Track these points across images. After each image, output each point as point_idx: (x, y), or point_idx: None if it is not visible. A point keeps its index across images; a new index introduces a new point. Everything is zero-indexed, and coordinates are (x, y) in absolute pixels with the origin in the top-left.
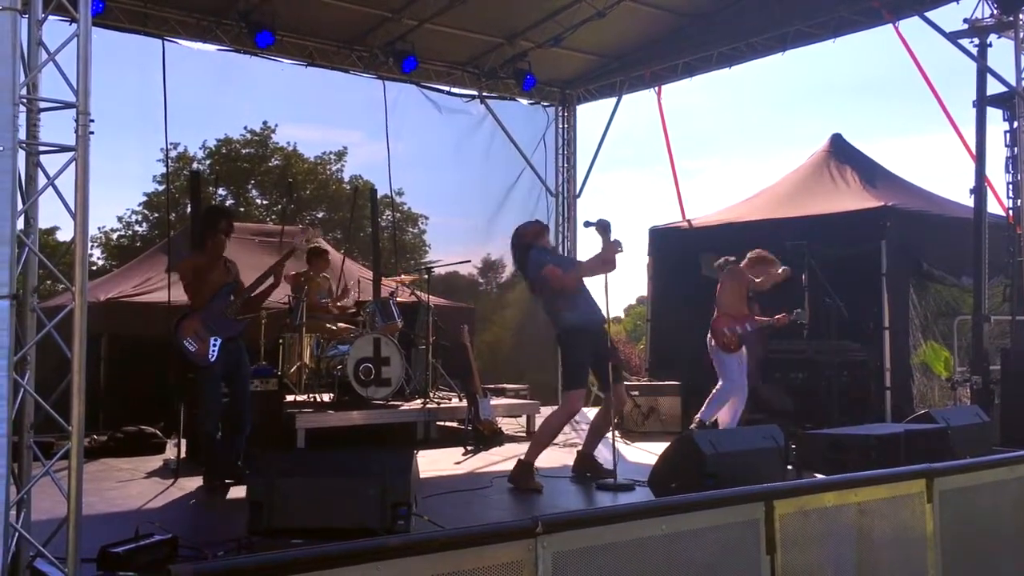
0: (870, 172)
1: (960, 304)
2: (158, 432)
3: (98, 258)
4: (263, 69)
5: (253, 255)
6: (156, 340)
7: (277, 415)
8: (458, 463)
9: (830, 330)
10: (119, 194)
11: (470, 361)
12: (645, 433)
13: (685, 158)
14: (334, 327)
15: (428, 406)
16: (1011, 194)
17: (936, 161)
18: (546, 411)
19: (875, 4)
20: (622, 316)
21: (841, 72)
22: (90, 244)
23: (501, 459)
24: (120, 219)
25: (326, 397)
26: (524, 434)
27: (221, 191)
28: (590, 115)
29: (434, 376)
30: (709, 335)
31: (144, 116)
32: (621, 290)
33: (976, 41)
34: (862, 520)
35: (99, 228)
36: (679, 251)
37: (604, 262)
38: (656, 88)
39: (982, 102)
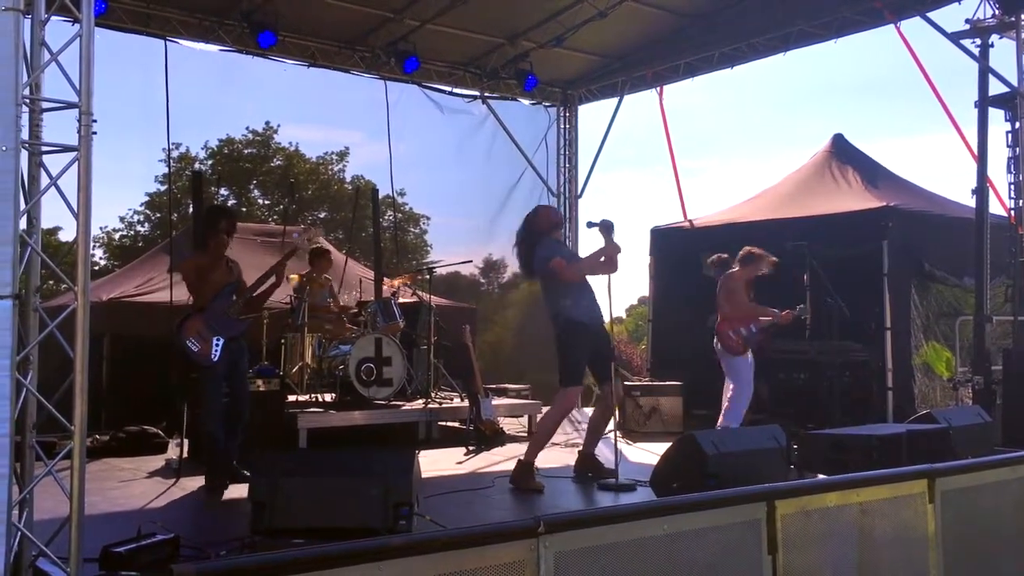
0: (872, 172)
1: (962, 304)
2: (160, 432)
3: (100, 258)
4: (265, 69)
5: (255, 255)
6: (158, 340)
7: (279, 415)
8: (460, 463)
9: (832, 330)
10: (121, 194)
11: (472, 361)
12: (647, 433)
13: (687, 158)
14: (332, 327)
15: (430, 406)
16: (1013, 194)
17: (938, 161)
18: (544, 414)
19: (877, 4)
20: (624, 316)
21: (843, 72)
22: (92, 244)
23: (503, 459)
24: (122, 219)
25: (328, 397)
26: (526, 434)
27: (223, 191)
28: (592, 115)
29: (436, 376)
30: (715, 340)
31: (146, 116)
32: (622, 290)
33: (978, 41)
34: (864, 520)
35: (101, 228)
36: (681, 251)
37: (606, 262)
38: (658, 88)
39: (984, 102)
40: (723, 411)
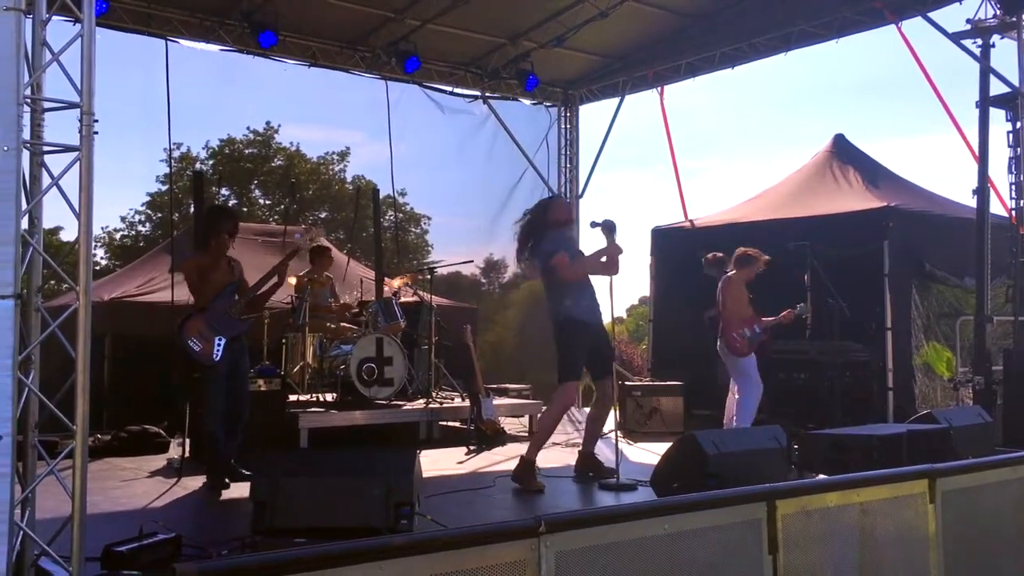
0: (873, 172)
1: (963, 305)
2: (161, 431)
3: (101, 258)
4: (266, 69)
5: (256, 255)
6: (159, 340)
7: (280, 415)
8: (461, 463)
9: (832, 331)
10: (122, 194)
11: (472, 361)
12: (647, 433)
13: (688, 158)
14: (334, 326)
15: (431, 406)
16: (1014, 195)
17: (939, 162)
18: (544, 411)
19: (878, 5)
20: (624, 316)
21: (844, 72)
22: (93, 244)
23: (504, 459)
24: (123, 219)
25: (329, 397)
26: (526, 434)
27: (224, 191)
28: (593, 115)
29: (437, 376)
30: (720, 343)
31: (147, 116)
32: (623, 290)
33: (979, 41)
34: (864, 520)
35: (102, 228)
36: (681, 251)
37: (608, 263)
38: (659, 88)
39: (985, 103)
40: (735, 412)
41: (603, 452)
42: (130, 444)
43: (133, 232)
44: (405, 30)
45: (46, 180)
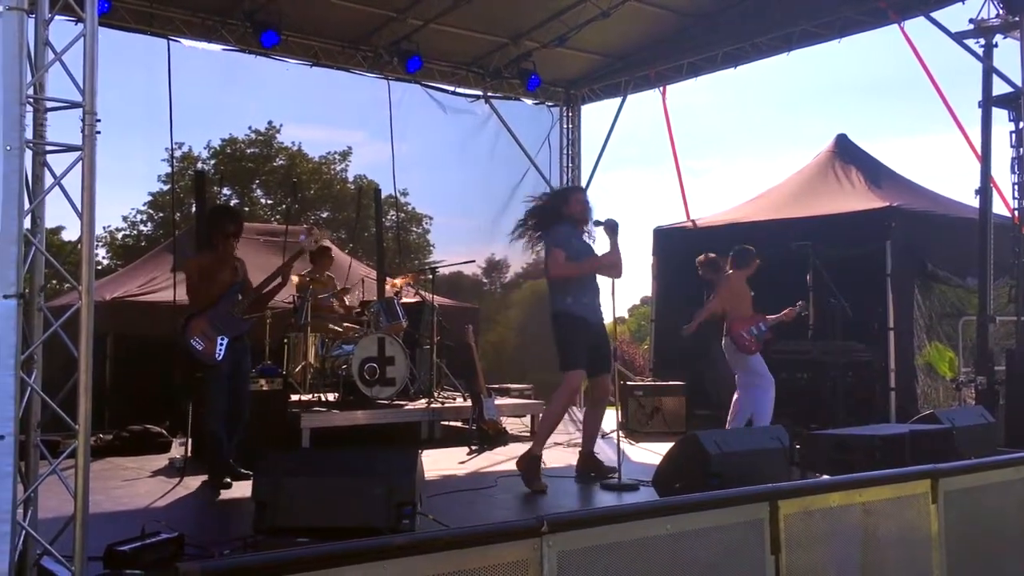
0: (875, 172)
1: (965, 305)
2: (164, 431)
3: (103, 257)
4: (268, 69)
5: (258, 255)
6: (161, 339)
7: (282, 414)
8: (462, 463)
9: (835, 331)
10: (124, 194)
11: (474, 361)
12: (649, 433)
13: (690, 158)
14: (339, 328)
15: (432, 406)
16: (1016, 195)
17: (941, 161)
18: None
19: (881, 4)
20: (626, 316)
21: (846, 72)
22: (95, 243)
23: (505, 459)
24: (125, 219)
25: (331, 397)
26: (528, 434)
27: (226, 191)
28: (595, 115)
29: (438, 376)
30: (727, 341)
31: (149, 116)
32: (625, 290)
33: (982, 41)
34: (867, 520)
35: (104, 228)
36: (683, 251)
37: (610, 267)
38: (661, 88)
39: (988, 102)
40: (754, 412)
41: (605, 452)
42: (132, 444)
43: (135, 232)
44: (407, 30)
45: (48, 180)
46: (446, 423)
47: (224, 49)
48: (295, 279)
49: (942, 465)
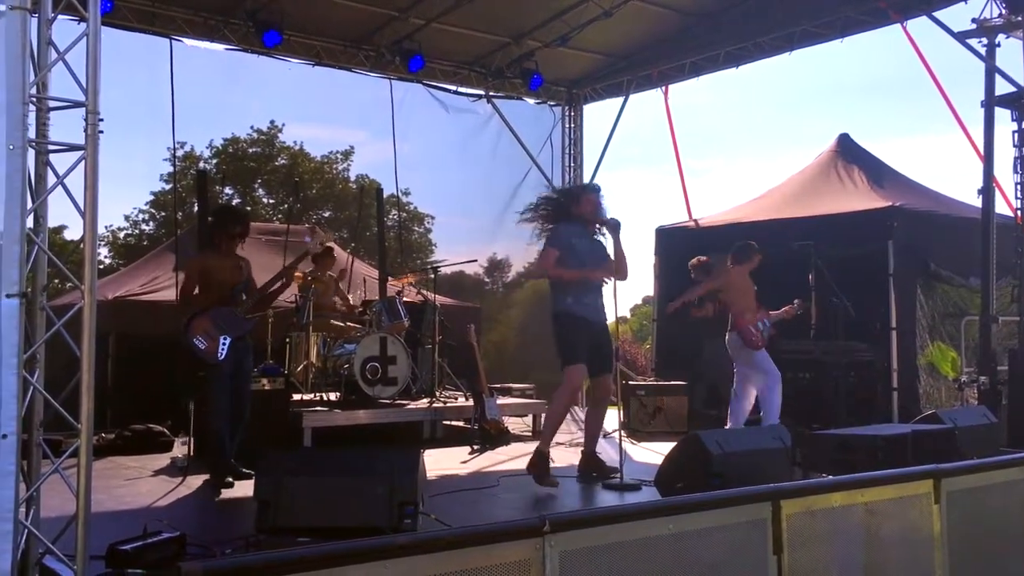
0: (877, 172)
1: (968, 305)
2: (166, 430)
3: (105, 257)
4: (270, 68)
5: (260, 254)
6: (163, 338)
7: (284, 414)
8: (464, 462)
9: (837, 330)
10: (126, 193)
11: (476, 360)
12: (651, 433)
13: (692, 157)
14: (342, 324)
15: (434, 405)
16: (1019, 195)
17: (944, 161)
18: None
19: (882, 4)
20: (628, 316)
21: (848, 72)
22: (98, 243)
23: (507, 458)
24: (127, 218)
25: (333, 396)
26: (530, 434)
27: (228, 190)
28: (597, 114)
29: (440, 375)
30: (733, 336)
31: (151, 115)
32: (627, 289)
33: (984, 41)
34: (869, 520)
35: (106, 227)
36: (685, 251)
37: (617, 269)
38: (663, 88)
39: (990, 102)
40: (764, 410)
41: (607, 451)
42: (134, 443)
43: (137, 231)
44: (409, 29)
45: (51, 179)
46: (448, 423)
47: (226, 48)
48: (298, 277)
49: (945, 465)
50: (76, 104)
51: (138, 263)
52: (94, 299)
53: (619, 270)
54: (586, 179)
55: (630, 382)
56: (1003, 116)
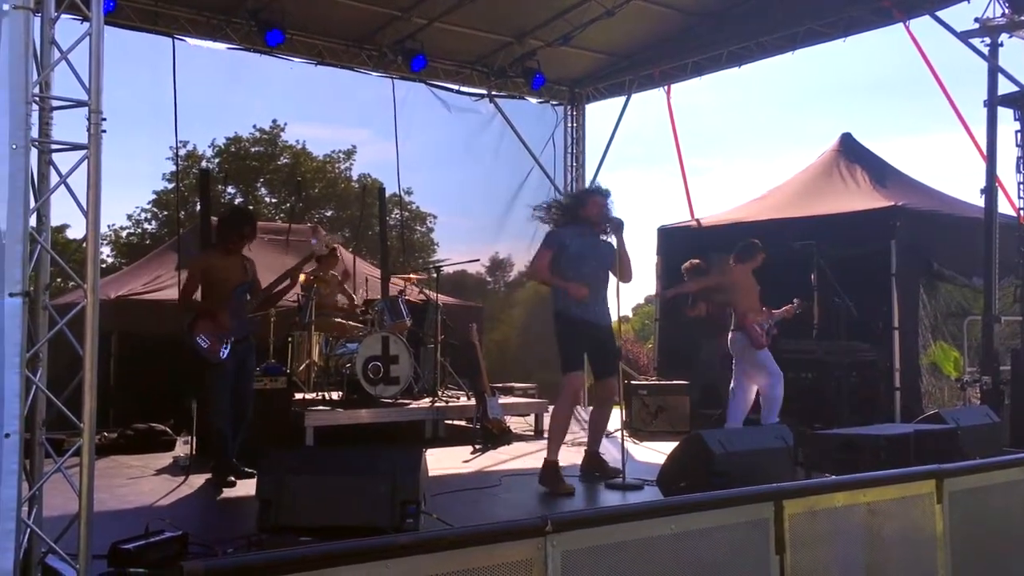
0: (880, 172)
1: (970, 304)
2: (168, 429)
3: (108, 256)
4: (273, 68)
5: (262, 253)
6: (166, 337)
7: (286, 413)
8: (466, 461)
9: (839, 330)
10: (129, 192)
11: (478, 359)
12: (653, 432)
13: (694, 157)
14: (344, 323)
15: (436, 404)
16: (1022, 194)
17: (947, 161)
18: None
19: (886, 3)
20: (630, 315)
21: (851, 71)
22: (100, 242)
23: (509, 458)
24: (130, 217)
25: (335, 395)
26: (532, 433)
27: (230, 189)
28: (599, 114)
29: (442, 374)
30: (737, 334)
31: (154, 114)
32: (629, 289)
33: (987, 40)
34: (872, 520)
35: (109, 226)
36: (688, 250)
37: (621, 270)
38: (665, 87)
39: (993, 102)
40: (765, 408)
41: (609, 451)
42: (136, 442)
43: (139, 230)
44: (412, 28)
45: (54, 178)
46: (450, 422)
47: (229, 48)
48: (300, 278)
49: (947, 465)
50: (79, 103)
51: (141, 262)
52: (96, 298)
53: (623, 271)
54: (588, 178)
55: (632, 382)
56: (1006, 116)
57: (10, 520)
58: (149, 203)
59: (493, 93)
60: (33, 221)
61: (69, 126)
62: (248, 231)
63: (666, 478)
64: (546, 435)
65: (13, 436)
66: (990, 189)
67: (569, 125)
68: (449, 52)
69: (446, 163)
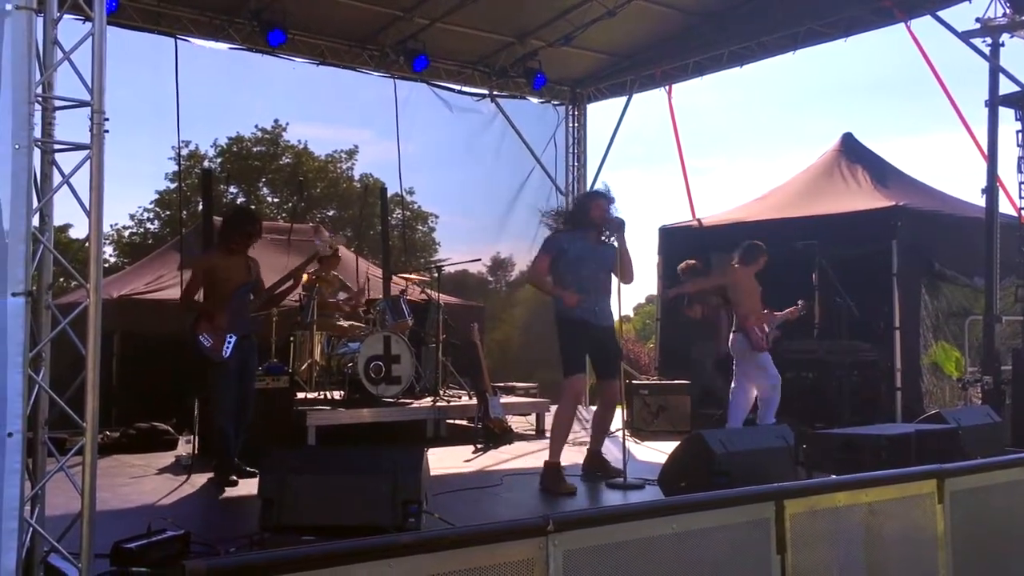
0: (881, 171)
1: (972, 304)
2: (170, 429)
3: (110, 255)
4: (275, 67)
5: (264, 252)
6: (168, 337)
7: (288, 412)
8: (468, 461)
9: (841, 330)
10: (131, 192)
11: (480, 359)
12: (654, 432)
13: (695, 157)
14: (345, 324)
15: (438, 404)
16: (1023, 194)
17: (948, 161)
18: (555, 409)
19: (887, 3)
20: (631, 315)
21: (852, 71)
22: (103, 241)
23: (511, 457)
24: (132, 216)
25: (337, 395)
26: (534, 432)
27: (232, 189)
28: (600, 114)
29: (444, 374)
30: (738, 336)
31: (156, 114)
32: (630, 289)
33: (988, 40)
34: (873, 520)
35: (111, 226)
36: (689, 250)
37: (622, 271)
38: (667, 87)
39: (994, 102)
40: (762, 411)
41: (611, 451)
42: (139, 441)
43: (142, 229)
44: (414, 28)
45: (57, 178)
46: (452, 421)
47: (231, 48)
48: (303, 278)
49: (948, 465)
50: (81, 103)
51: (143, 262)
52: (99, 297)
53: (624, 272)
54: (589, 178)
55: (633, 381)
56: (1007, 115)
57: (13, 519)
58: (151, 203)
59: (495, 93)
60: (36, 221)
61: (72, 126)
62: (253, 231)
63: (667, 478)
64: (548, 435)
65: (16, 435)
66: (991, 189)
67: (570, 125)
68: (451, 52)
69: (448, 163)
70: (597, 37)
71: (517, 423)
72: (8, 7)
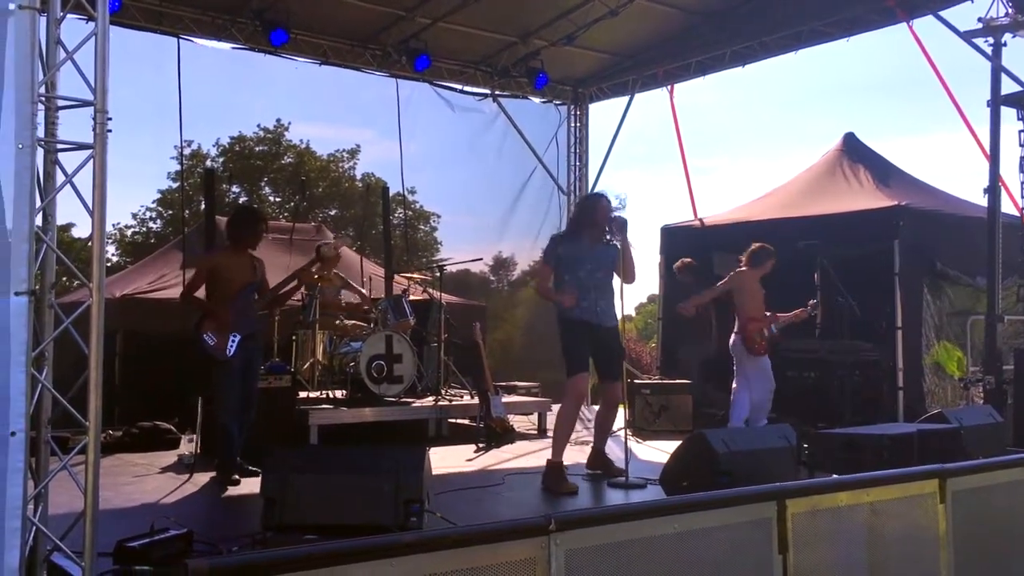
0: (883, 171)
1: (974, 304)
2: (173, 428)
3: (113, 255)
4: (277, 67)
5: (266, 252)
6: (171, 336)
7: (290, 411)
8: (470, 460)
9: (843, 330)
10: (134, 191)
11: (482, 358)
12: (656, 431)
13: (697, 156)
14: (347, 323)
15: (440, 403)
16: None
17: (950, 160)
18: (558, 409)
19: (889, 3)
20: (633, 314)
21: (854, 71)
22: (106, 241)
23: (513, 456)
24: (135, 216)
25: (339, 394)
26: (535, 432)
27: (234, 188)
28: (602, 113)
29: (446, 373)
30: (738, 339)
31: (159, 114)
32: (632, 288)
33: (990, 40)
34: (874, 520)
35: (114, 225)
36: (691, 250)
37: (624, 272)
38: (668, 87)
39: (996, 101)
40: (751, 411)
41: (612, 450)
42: (141, 440)
43: (144, 229)
44: (416, 28)
45: (60, 177)
46: (453, 421)
47: (233, 47)
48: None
49: (950, 465)
50: (84, 103)
51: (146, 261)
52: (102, 297)
53: (626, 271)
54: (591, 178)
55: (635, 381)
56: (1009, 115)
57: (16, 518)
58: (154, 202)
59: (497, 93)
60: (39, 220)
61: (74, 126)
62: (262, 228)
63: (669, 477)
64: (550, 434)
65: (19, 434)
66: (993, 189)
67: (572, 125)
68: (453, 52)
69: (450, 162)
70: (599, 37)
71: (519, 422)
72: (11, 7)
